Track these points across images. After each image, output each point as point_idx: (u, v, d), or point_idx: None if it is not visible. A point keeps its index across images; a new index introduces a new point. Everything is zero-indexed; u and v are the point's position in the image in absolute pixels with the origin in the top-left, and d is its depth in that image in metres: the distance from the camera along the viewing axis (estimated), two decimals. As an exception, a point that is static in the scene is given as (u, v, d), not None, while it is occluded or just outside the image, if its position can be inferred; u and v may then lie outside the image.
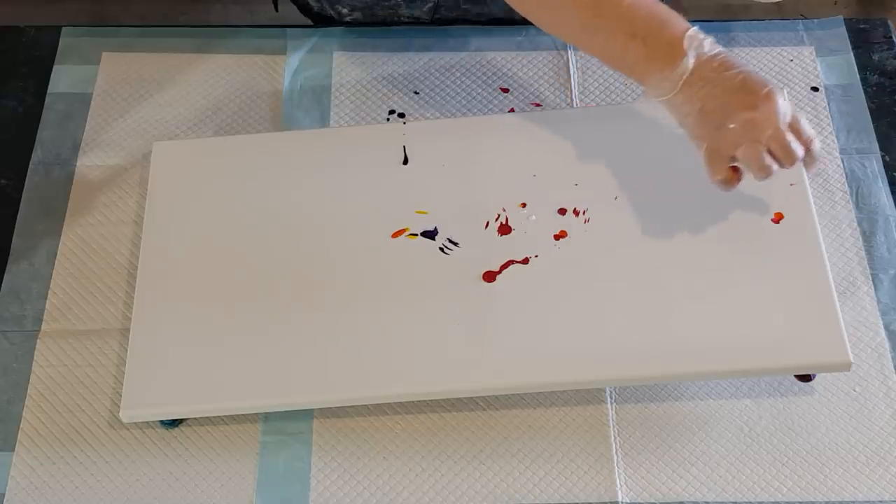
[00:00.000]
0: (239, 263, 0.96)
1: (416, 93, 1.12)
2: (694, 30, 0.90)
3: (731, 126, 0.88)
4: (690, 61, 0.89)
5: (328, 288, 0.94)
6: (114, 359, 0.96)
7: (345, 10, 1.19)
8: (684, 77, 0.89)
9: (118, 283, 1.00)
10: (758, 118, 0.88)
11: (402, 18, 1.20)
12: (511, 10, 1.16)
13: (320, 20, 1.24)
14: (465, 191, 0.99)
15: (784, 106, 0.88)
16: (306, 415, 0.93)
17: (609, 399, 0.93)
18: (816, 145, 0.90)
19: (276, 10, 1.28)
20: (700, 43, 0.89)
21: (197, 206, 1.00)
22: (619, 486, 0.89)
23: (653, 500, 0.89)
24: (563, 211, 0.97)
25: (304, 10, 1.25)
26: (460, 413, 0.93)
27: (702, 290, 0.92)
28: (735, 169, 0.91)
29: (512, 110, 1.10)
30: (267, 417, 0.93)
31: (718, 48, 0.91)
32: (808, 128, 0.89)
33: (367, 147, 1.02)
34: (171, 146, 1.05)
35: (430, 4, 1.18)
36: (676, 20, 0.91)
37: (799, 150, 0.89)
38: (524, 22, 1.17)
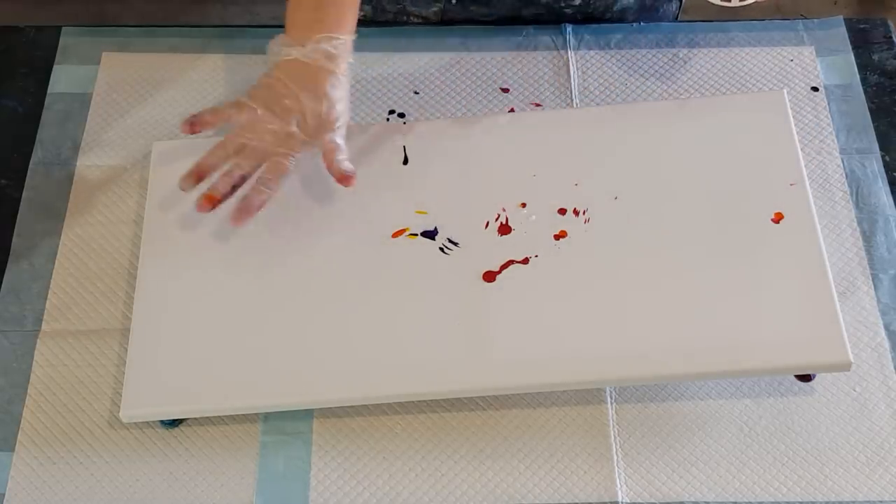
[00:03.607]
0: (239, 263, 0.96)
1: (416, 93, 1.12)
2: (280, 39, 0.96)
3: (259, 112, 0.95)
4: (301, 51, 0.95)
5: (328, 288, 0.94)
6: (114, 359, 0.96)
7: None
8: (287, 56, 0.95)
9: (118, 283, 1.00)
10: (266, 131, 0.95)
11: (411, 18, 1.20)
12: (517, 9, 1.17)
13: None
14: (465, 191, 0.99)
15: (289, 156, 0.95)
16: (306, 415, 0.93)
17: (609, 399, 0.93)
18: (255, 199, 0.94)
19: None
20: (321, 48, 0.95)
21: (197, 206, 1.00)
22: (619, 486, 0.89)
23: (653, 500, 0.89)
24: (563, 211, 0.97)
25: None
26: (460, 413, 0.93)
27: (702, 290, 0.92)
28: (193, 127, 0.96)
29: (512, 110, 1.10)
30: (267, 417, 0.93)
31: (335, 63, 0.95)
32: (273, 185, 0.94)
33: (367, 147, 1.02)
34: (171, 146, 1.05)
35: (436, 7, 1.18)
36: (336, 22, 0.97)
37: (241, 172, 0.95)
38: (526, 22, 1.18)
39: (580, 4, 1.17)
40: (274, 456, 0.91)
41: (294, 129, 0.95)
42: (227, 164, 0.95)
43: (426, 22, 1.20)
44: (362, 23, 1.20)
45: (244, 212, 0.94)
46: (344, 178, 0.95)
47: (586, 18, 1.18)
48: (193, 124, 0.96)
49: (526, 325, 0.91)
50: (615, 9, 1.19)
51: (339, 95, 0.96)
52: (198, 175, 0.95)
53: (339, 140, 0.96)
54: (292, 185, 1.00)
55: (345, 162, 0.95)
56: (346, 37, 0.96)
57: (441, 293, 0.93)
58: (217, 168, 0.96)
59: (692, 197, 0.97)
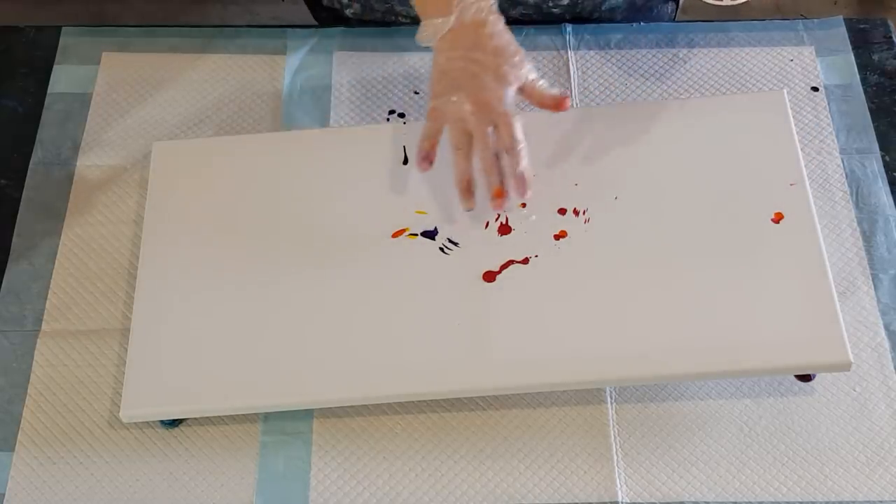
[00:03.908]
0: (239, 263, 0.96)
1: (416, 93, 1.12)
2: None
3: (454, 99, 0.93)
4: (451, 20, 0.94)
5: (328, 288, 0.94)
6: (114, 359, 0.96)
7: (345, 0, 1.20)
8: (441, 33, 0.94)
9: (118, 283, 1.00)
10: (475, 100, 0.92)
11: (399, 18, 1.20)
12: (509, 8, 1.17)
13: (325, 13, 1.24)
14: (466, 191, 0.99)
15: (504, 102, 0.92)
16: (306, 415, 0.93)
17: (609, 399, 0.93)
18: (523, 168, 0.92)
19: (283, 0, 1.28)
20: (468, 6, 0.93)
21: (197, 206, 1.00)
22: (619, 486, 0.89)
23: (653, 500, 0.89)
24: (563, 211, 0.97)
25: (315, 5, 1.26)
26: (460, 413, 0.93)
27: (702, 290, 0.92)
28: (431, 160, 0.95)
29: (512, 110, 1.10)
30: (267, 417, 0.93)
31: (490, 15, 0.94)
32: (519, 139, 0.92)
33: (367, 147, 1.02)
34: (171, 146, 1.05)
35: None
36: None
37: (490, 152, 0.92)
38: (523, 22, 1.18)
39: (568, 4, 1.17)
40: (274, 456, 0.91)
41: (491, 87, 0.93)
42: (476, 160, 0.94)
43: (414, 22, 1.20)
44: (352, 21, 1.21)
45: (525, 183, 0.93)
46: (558, 103, 0.94)
47: (574, 18, 1.18)
48: (427, 160, 0.95)
49: (526, 325, 0.91)
50: (603, 8, 1.19)
51: (506, 36, 0.95)
52: (468, 189, 0.94)
53: (531, 74, 0.95)
54: (292, 184, 1.00)
55: (551, 89, 0.95)
56: None
57: (441, 293, 0.93)
58: (471, 169, 0.94)
59: (692, 197, 0.97)
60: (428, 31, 0.96)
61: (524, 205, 0.98)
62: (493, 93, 0.93)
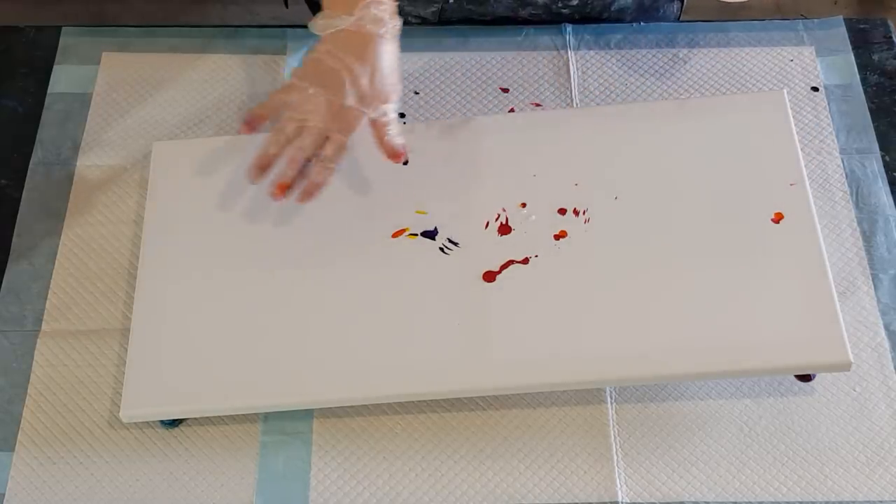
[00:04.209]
0: (239, 263, 0.96)
1: (416, 93, 1.12)
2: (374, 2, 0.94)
3: (311, 92, 0.93)
4: (350, 20, 0.93)
5: (328, 288, 0.94)
6: (114, 359, 0.96)
7: None
8: (335, 28, 0.94)
9: (118, 283, 1.00)
10: (320, 106, 0.93)
11: (409, 18, 1.20)
12: (514, 9, 1.17)
13: None
14: (465, 191, 0.99)
15: (350, 126, 0.94)
16: (306, 415, 0.93)
17: (609, 399, 0.93)
18: (321, 181, 0.94)
19: (287, 6, 1.28)
20: (370, 14, 0.93)
21: (197, 206, 1.00)
22: (619, 486, 0.89)
23: (653, 500, 0.89)
24: (563, 211, 0.97)
25: (314, 6, 1.26)
26: (460, 413, 0.93)
27: (702, 291, 0.92)
28: (251, 126, 0.95)
29: (512, 110, 1.10)
30: (267, 417, 0.93)
31: (388, 32, 0.95)
32: (335, 161, 0.94)
33: (366, 147, 1.02)
34: (171, 146, 1.05)
35: (434, 7, 1.18)
36: None
37: (302, 154, 0.93)
38: (525, 22, 1.18)
39: (577, 4, 1.17)
40: (274, 456, 0.91)
41: (350, 101, 0.93)
42: (289, 149, 0.94)
43: (424, 22, 1.20)
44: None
45: (309, 194, 0.94)
46: (394, 155, 0.95)
47: (584, 18, 1.18)
48: (249, 123, 0.95)
49: (526, 325, 0.91)
50: (613, 9, 1.19)
51: (392, 60, 0.95)
52: (262, 165, 0.94)
53: (391, 113, 0.95)
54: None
55: (396, 137, 0.95)
56: (388, 2, 0.95)
57: (441, 293, 0.93)
58: (279, 155, 0.94)
59: (692, 197, 0.97)
60: (323, 21, 0.95)
61: (524, 204, 0.98)
62: (349, 112, 0.93)
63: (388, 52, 0.94)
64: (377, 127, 0.95)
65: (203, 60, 1.15)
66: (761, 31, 1.17)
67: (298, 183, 0.94)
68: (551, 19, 1.18)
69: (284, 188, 0.94)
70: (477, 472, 0.90)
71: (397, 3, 0.96)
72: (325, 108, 0.93)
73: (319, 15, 0.95)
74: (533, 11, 1.18)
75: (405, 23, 1.20)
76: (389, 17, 0.95)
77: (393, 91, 0.95)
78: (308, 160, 0.94)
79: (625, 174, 0.99)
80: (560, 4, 1.17)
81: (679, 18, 1.26)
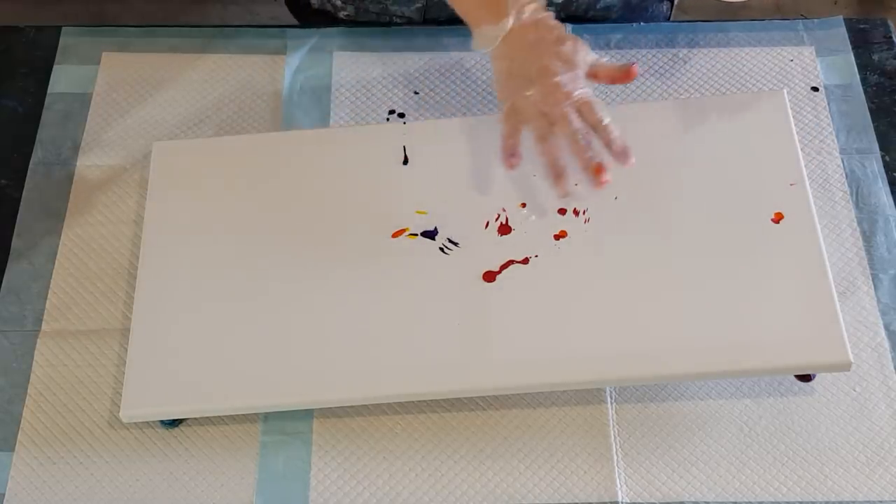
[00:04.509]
0: (239, 263, 0.96)
1: (416, 93, 1.12)
2: None
3: (528, 94, 0.93)
4: (510, 22, 0.95)
5: (328, 288, 0.94)
6: (114, 359, 0.96)
7: (339, 3, 1.20)
8: (500, 36, 0.95)
9: (118, 283, 1.00)
10: (549, 89, 0.92)
11: (394, 18, 1.20)
12: None
13: (315, 17, 1.24)
14: (465, 191, 0.99)
15: (577, 85, 0.93)
16: (306, 415, 0.93)
17: (609, 399, 0.93)
18: (616, 137, 0.92)
19: None
20: (522, 7, 0.95)
21: (197, 206, 1.00)
22: (619, 486, 0.89)
23: (653, 500, 0.89)
24: (563, 211, 0.97)
25: (303, 8, 1.25)
26: (460, 413, 0.93)
27: (702, 291, 0.92)
28: (517, 155, 0.95)
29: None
30: (267, 417, 0.93)
31: (543, 14, 0.96)
32: (603, 116, 0.93)
33: (367, 147, 1.02)
34: (171, 146, 1.05)
35: (419, 4, 1.18)
36: None
37: (579, 135, 0.92)
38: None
39: (562, 3, 1.17)
40: (274, 456, 0.91)
41: (559, 71, 0.93)
42: (564, 143, 0.94)
43: (409, 22, 1.20)
44: (345, 23, 1.21)
45: (626, 152, 0.92)
46: (629, 70, 0.95)
47: (569, 17, 1.18)
48: (514, 156, 0.95)
49: (526, 325, 0.91)
50: (598, 7, 1.18)
51: (559, 27, 0.96)
52: (561, 174, 0.93)
53: (592, 56, 0.95)
54: (292, 184, 1.00)
55: (613, 63, 0.96)
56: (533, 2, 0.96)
57: (441, 293, 0.93)
58: (559, 155, 0.93)
59: (692, 197, 0.97)
60: (483, 39, 0.97)
61: (524, 204, 0.98)
62: (566, 79, 0.93)
63: (553, 23, 0.96)
64: (595, 71, 0.95)
65: (203, 60, 1.15)
66: (761, 31, 1.17)
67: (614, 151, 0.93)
68: None
69: (601, 169, 0.92)
70: (477, 472, 0.90)
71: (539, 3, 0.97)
72: (551, 95, 0.93)
73: (476, 34, 0.97)
74: None
75: (390, 23, 1.20)
76: (540, 6, 0.96)
77: (577, 42, 0.95)
78: (583, 133, 0.93)
79: (625, 174, 0.99)
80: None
81: (669, 19, 1.26)
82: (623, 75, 0.95)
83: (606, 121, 0.93)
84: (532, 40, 0.95)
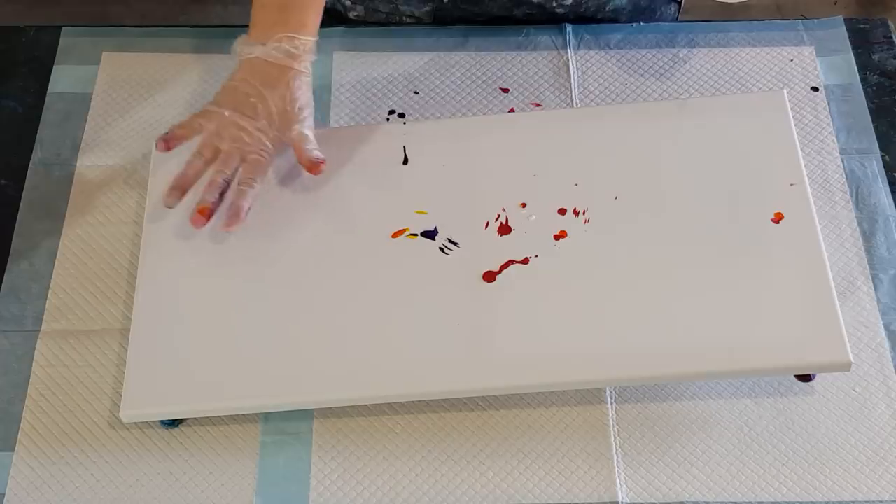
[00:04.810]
0: (238, 264, 0.96)
1: (416, 93, 1.12)
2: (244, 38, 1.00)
3: (227, 114, 0.98)
4: (266, 49, 0.98)
5: (328, 288, 0.94)
6: (114, 359, 0.96)
7: (349, 3, 1.20)
8: (250, 55, 0.99)
9: (118, 283, 1.00)
10: (236, 129, 0.97)
11: (404, 18, 1.20)
12: (509, 8, 1.17)
13: (326, 15, 1.24)
14: (465, 191, 0.99)
15: (267, 148, 0.97)
16: (306, 415, 0.93)
17: (609, 399, 0.93)
18: (242, 204, 0.96)
19: None
20: (283, 46, 0.98)
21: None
22: (619, 486, 0.89)
23: (653, 500, 0.89)
24: (563, 211, 0.97)
25: None
26: (460, 413, 0.93)
27: (702, 290, 0.92)
28: (168, 145, 0.98)
29: (512, 110, 1.10)
30: (267, 417, 0.93)
31: (301, 64, 0.99)
32: (253, 184, 0.96)
33: (367, 147, 1.02)
34: (171, 146, 1.05)
35: (428, 7, 1.18)
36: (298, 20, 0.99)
37: (222, 176, 0.96)
38: (524, 21, 1.18)
39: (572, 4, 1.17)
40: (274, 456, 0.91)
41: (264, 124, 0.97)
42: (208, 173, 0.97)
43: (419, 22, 1.20)
44: (355, 23, 1.21)
45: (234, 217, 0.95)
46: (313, 166, 0.97)
47: (578, 18, 1.18)
48: (167, 141, 0.98)
49: (526, 325, 0.91)
50: (607, 9, 1.19)
51: (303, 91, 0.98)
52: (181, 189, 0.97)
53: (307, 131, 0.98)
54: (292, 184, 1.00)
55: (314, 151, 0.97)
56: (307, 38, 0.99)
57: (441, 293, 0.93)
58: (197, 178, 0.97)
59: (692, 197, 0.97)
60: (241, 47, 0.99)
61: (524, 204, 0.98)
62: (263, 133, 0.97)
63: (302, 84, 0.98)
64: (295, 145, 0.98)
65: (203, 60, 1.15)
66: (761, 31, 1.17)
67: (226, 210, 0.96)
68: (546, 19, 1.18)
69: (205, 212, 0.95)
70: (477, 472, 0.90)
71: (315, 40, 1.00)
72: (241, 132, 0.96)
73: (240, 39, 1.00)
74: (528, 11, 1.18)
75: (400, 22, 1.21)
76: (305, 52, 0.98)
77: (303, 112, 0.98)
78: (228, 184, 0.97)
79: (625, 174, 0.99)
80: (555, 4, 1.17)
81: (677, 20, 1.26)
82: (308, 165, 0.97)
83: (253, 190, 0.95)
84: (271, 80, 0.98)
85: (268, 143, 0.97)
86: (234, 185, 0.96)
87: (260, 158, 0.97)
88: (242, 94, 0.98)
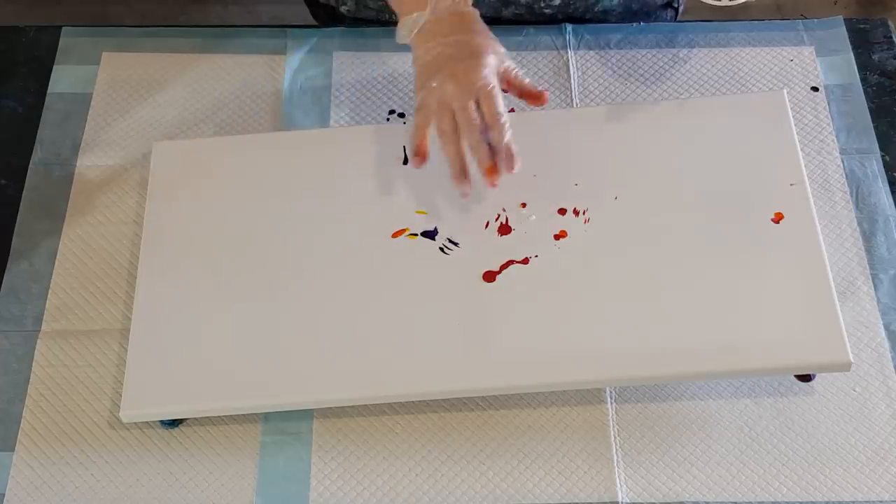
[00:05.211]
0: (238, 263, 0.96)
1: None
2: None
3: (433, 84, 0.92)
4: (426, 14, 0.94)
5: (328, 288, 0.94)
6: (114, 359, 0.96)
7: None
8: (418, 26, 0.95)
9: (118, 283, 1.00)
10: (450, 84, 0.92)
11: (393, 18, 1.20)
12: (501, 8, 1.17)
13: (322, 10, 1.24)
14: (466, 191, 0.99)
15: (482, 73, 0.91)
16: (306, 415, 0.93)
17: (609, 399, 0.93)
18: (507, 140, 0.91)
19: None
20: (441, 2, 0.94)
21: (197, 206, 1.00)
22: (619, 486, 0.89)
23: (653, 500, 0.89)
24: (563, 211, 0.97)
25: (311, 2, 1.26)
26: (460, 413, 0.93)
27: (702, 290, 0.92)
28: (424, 155, 0.95)
29: (512, 110, 1.10)
30: (267, 417, 0.93)
31: (465, 8, 0.95)
32: (502, 112, 0.91)
33: (367, 147, 1.02)
34: (171, 146, 1.05)
35: None
36: None
37: (475, 130, 0.91)
38: (523, 22, 1.18)
39: (560, 5, 1.17)
40: (274, 456, 0.91)
41: (468, 64, 0.93)
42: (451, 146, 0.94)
43: None
44: (350, 20, 1.21)
45: (510, 158, 0.92)
46: (541, 95, 0.94)
47: (566, 19, 1.18)
48: (418, 155, 0.95)
49: (526, 325, 0.91)
50: (596, 10, 1.18)
51: (481, 24, 0.96)
52: (463, 170, 0.93)
53: (510, 62, 0.95)
54: (292, 184, 1.00)
55: (526, 78, 0.95)
56: None
57: (441, 293, 0.93)
58: (461, 151, 0.93)
59: (692, 197, 0.97)
60: (404, 29, 0.96)
61: (524, 204, 0.98)
62: (471, 66, 0.92)
63: (475, 18, 0.95)
64: (508, 78, 0.94)
65: (203, 60, 1.15)
66: (761, 32, 1.17)
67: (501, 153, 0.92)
68: (535, 19, 1.18)
69: (493, 170, 0.92)
70: (477, 472, 0.90)
71: None
72: (454, 83, 0.92)
73: (399, 25, 0.97)
74: (516, 11, 1.17)
75: (389, 23, 1.20)
76: (457, 2, 0.95)
77: (499, 48, 0.95)
78: (482, 132, 0.93)
79: (625, 174, 0.99)
80: (543, 4, 1.16)
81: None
82: (534, 95, 0.95)
83: (503, 119, 0.91)
84: (447, 31, 0.94)
85: (482, 71, 0.92)
86: (487, 131, 0.92)
87: (486, 90, 0.91)
88: (434, 58, 0.93)
